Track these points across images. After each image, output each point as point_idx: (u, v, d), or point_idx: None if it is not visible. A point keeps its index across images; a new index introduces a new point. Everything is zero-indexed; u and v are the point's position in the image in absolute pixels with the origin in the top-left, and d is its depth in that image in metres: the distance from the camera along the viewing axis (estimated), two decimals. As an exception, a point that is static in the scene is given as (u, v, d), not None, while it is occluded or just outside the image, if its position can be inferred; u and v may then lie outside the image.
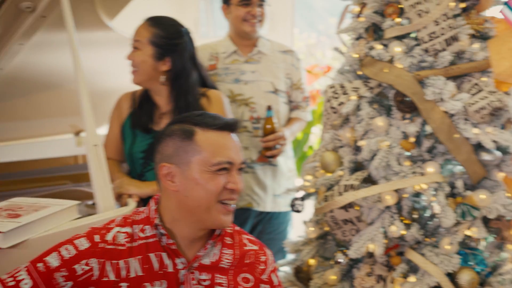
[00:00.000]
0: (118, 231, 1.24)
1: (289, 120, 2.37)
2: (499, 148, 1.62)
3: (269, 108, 2.18)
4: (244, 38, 2.30)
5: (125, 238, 1.23)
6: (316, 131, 3.44)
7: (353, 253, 1.64)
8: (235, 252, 1.30)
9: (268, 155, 2.20)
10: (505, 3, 1.66)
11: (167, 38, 1.79)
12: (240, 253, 1.31)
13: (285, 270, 1.97)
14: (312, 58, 4.47)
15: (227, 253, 1.29)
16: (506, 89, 1.66)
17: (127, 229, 1.25)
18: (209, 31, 4.05)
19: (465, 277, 1.58)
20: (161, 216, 1.25)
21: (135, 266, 1.22)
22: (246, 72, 2.29)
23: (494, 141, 1.58)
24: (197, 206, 1.20)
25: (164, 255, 1.24)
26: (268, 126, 2.18)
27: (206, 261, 1.26)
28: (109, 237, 1.23)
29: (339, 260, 1.75)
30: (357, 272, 1.72)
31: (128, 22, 1.87)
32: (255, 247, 1.34)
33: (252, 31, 2.26)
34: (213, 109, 1.82)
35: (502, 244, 1.68)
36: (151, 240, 1.24)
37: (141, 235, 1.24)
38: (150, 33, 1.79)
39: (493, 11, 1.74)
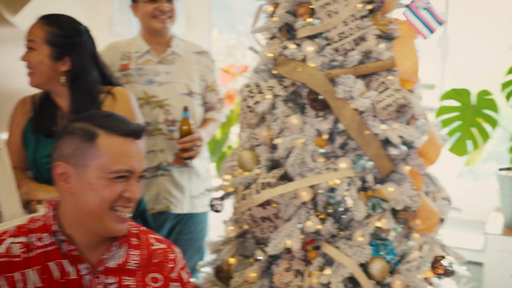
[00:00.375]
0: (11, 242, 1.17)
1: (204, 121, 2.36)
2: (404, 142, 1.71)
3: (185, 109, 2.15)
4: (156, 36, 2.26)
5: (20, 248, 1.16)
6: (236, 131, 3.46)
7: (271, 249, 1.66)
8: (142, 252, 1.27)
9: (185, 157, 2.18)
10: (407, 6, 1.76)
11: (65, 37, 1.72)
12: (148, 253, 1.28)
13: (205, 270, 1.96)
14: (233, 59, 4.49)
15: (133, 254, 1.26)
16: (410, 87, 1.76)
17: (22, 239, 1.18)
18: (124, 30, 3.93)
19: (376, 266, 1.65)
20: (60, 221, 1.19)
21: (33, 278, 1.15)
22: (160, 73, 2.24)
23: (400, 136, 1.67)
24: (89, 213, 1.16)
25: (65, 262, 1.18)
26: (185, 128, 2.15)
27: (112, 264, 1.22)
28: (1, 249, 1.16)
29: (259, 258, 1.76)
30: (276, 268, 1.75)
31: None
32: (162, 246, 1.32)
33: (162, 28, 2.22)
34: (118, 107, 1.76)
35: (409, 233, 1.77)
36: (50, 248, 1.18)
37: (39, 244, 1.18)
38: (46, 32, 1.70)
39: (397, 13, 1.84)
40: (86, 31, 1.78)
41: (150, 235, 1.33)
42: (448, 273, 1.83)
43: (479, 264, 2.60)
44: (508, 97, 2.46)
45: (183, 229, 2.33)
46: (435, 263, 1.82)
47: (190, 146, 2.15)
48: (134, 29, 3.97)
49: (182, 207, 2.29)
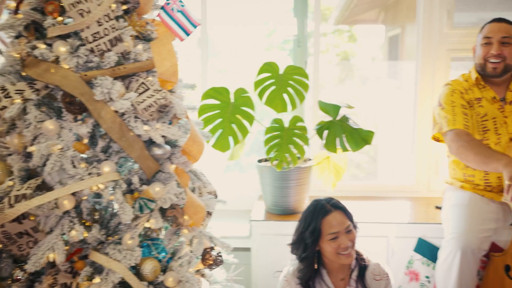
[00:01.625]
0: None
1: None
2: (168, 142, 1.75)
3: None
4: None
5: None
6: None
7: (31, 266, 1.53)
8: None
9: None
10: (162, 8, 1.80)
11: None
12: None
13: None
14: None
15: None
16: (170, 87, 1.80)
17: None
18: None
19: (148, 266, 1.66)
20: None
21: None
22: None
23: (163, 136, 1.70)
24: None
25: None
26: None
27: None
28: None
29: (18, 277, 1.60)
30: (39, 286, 1.61)
31: None
32: None
33: None
34: None
35: (179, 230, 1.82)
36: None
37: None
38: None
39: (155, 15, 1.86)
40: None
41: None
42: (218, 262, 1.93)
43: (247, 249, 2.82)
44: (260, 95, 2.71)
45: None
46: (205, 255, 1.91)
47: None
48: None
49: None
